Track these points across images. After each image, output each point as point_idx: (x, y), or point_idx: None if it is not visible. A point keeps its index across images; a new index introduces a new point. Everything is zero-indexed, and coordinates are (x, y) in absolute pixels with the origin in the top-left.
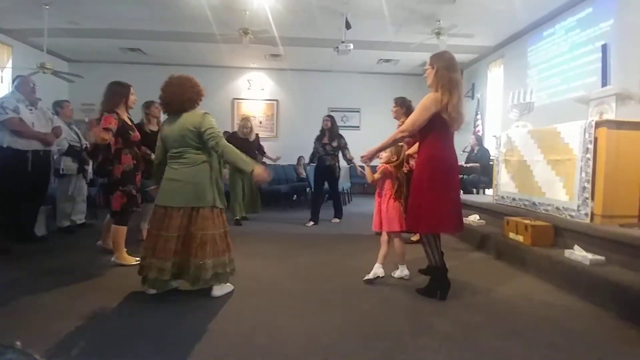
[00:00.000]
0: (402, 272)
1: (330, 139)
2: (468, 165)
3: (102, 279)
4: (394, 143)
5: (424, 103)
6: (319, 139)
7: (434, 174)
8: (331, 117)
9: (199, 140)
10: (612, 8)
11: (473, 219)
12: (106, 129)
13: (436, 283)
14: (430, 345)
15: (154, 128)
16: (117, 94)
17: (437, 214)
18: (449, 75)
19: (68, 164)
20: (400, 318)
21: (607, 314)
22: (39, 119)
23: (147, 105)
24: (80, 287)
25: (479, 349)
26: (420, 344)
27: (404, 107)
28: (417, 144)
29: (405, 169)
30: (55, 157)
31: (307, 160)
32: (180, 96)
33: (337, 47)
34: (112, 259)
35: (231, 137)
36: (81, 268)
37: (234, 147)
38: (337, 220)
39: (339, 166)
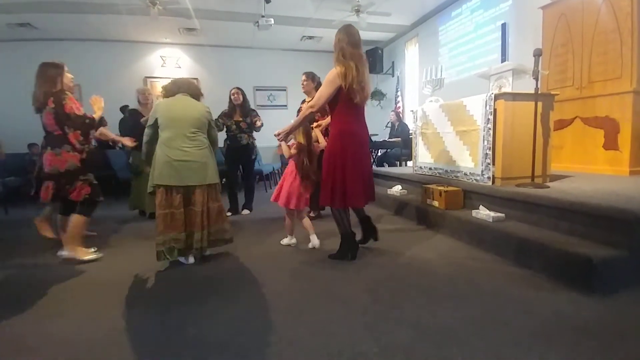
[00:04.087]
0: (290, 240)
1: (243, 115)
2: (390, 139)
3: None
4: (305, 120)
5: (328, 77)
6: (228, 115)
7: (346, 149)
8: (241, 90)
9: (206, 128)
10: None
11: (396, 189)
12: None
13: (346, 247)
14: (359, 305)
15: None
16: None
17: (348, 191)
18: (352, 50)
19: None
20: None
21: (507, 262)
22: None
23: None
24: None
25: (402, 306)
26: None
27: (314, 82)
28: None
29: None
30: None
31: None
32: (194, 87)
33: (258, 22)
34: (63, 253)
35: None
36: None
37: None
38: (247, 211)
39: (255, 145)
